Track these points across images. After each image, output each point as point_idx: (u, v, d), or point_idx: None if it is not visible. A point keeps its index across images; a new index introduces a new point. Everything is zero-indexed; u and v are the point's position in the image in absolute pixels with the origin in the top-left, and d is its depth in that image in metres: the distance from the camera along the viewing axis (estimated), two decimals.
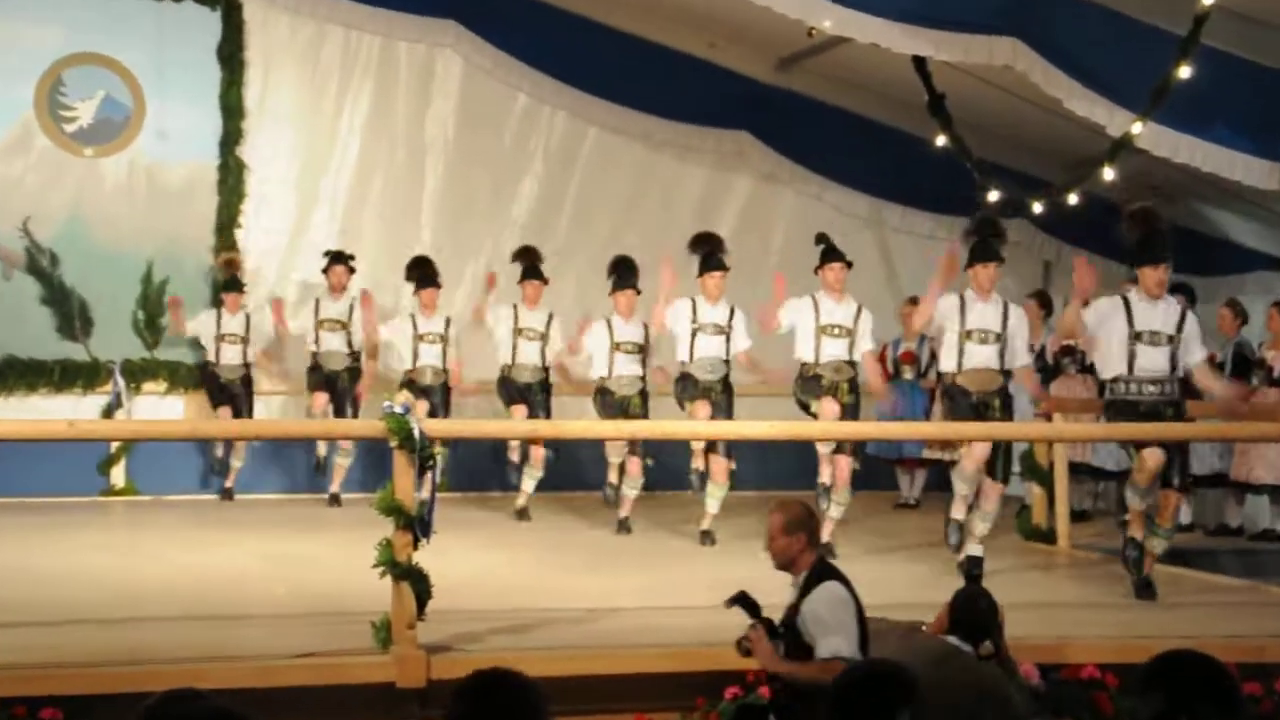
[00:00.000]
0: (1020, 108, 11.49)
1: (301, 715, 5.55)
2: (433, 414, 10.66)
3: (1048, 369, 11.33)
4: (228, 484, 11.87)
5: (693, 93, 13.06)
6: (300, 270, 12.39)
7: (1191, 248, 12.00)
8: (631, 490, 10.17)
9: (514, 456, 11.30)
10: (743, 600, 5.66)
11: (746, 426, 8.90)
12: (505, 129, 13.13)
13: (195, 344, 12.03)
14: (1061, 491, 9.78)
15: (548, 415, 10.93)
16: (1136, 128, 9.87)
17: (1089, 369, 11.25)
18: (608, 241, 11.67)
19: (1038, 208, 12.34)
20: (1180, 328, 7.89)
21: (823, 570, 5.75)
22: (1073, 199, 11.88)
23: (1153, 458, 7.76)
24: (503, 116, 13.11)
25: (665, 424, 9.17)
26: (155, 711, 3.15)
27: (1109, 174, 11.40)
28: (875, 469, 11.99)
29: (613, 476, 10.33)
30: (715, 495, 9.66)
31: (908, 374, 12.12)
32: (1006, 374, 8.56)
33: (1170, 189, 11.87)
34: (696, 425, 9.20)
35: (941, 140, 11.62)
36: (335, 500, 11.52)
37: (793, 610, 5.68)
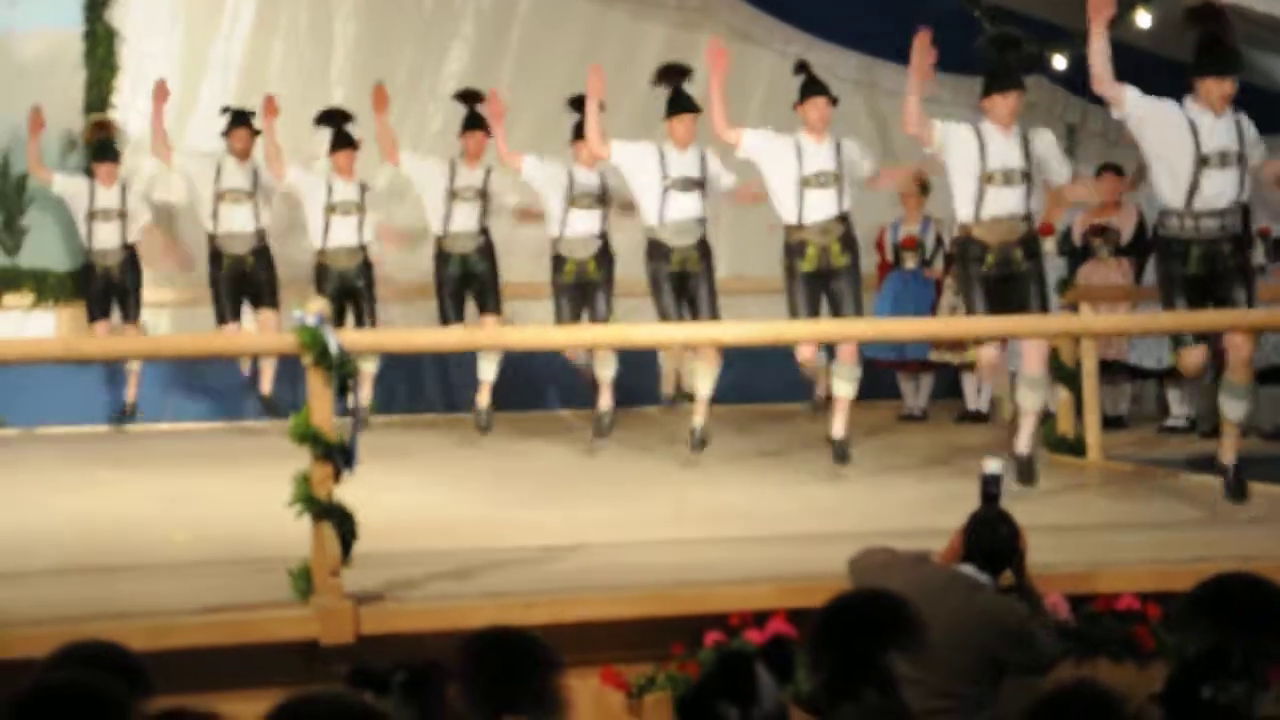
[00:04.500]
0: None
1: (208, 680, 5.57)
2: (357, 314, 10.77)
3: (1075, 251, 11.39)
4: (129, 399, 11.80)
5: None
6: (187, 156, 12.22)
7: (1243, 102, 12.00)
8: (607, 371, 10.15)
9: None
10: None
11: (723, 329, 8.95)
12: None
13: (70, 244, 11.87)
14: (1092, 395, 9.86)
15: (495, 291, 10.92)
16: None
17: (1124, 251, 11.32)
18: (551, 117, 11.59)
19: (1059, 62, 12.33)
20: (1242, 140, 7.85)
21: None
22: None
23: (1192, 358, 7.83)
24: None
25: (630, 328, 9.19)
26: (55, 673, 3.18)
27: (1143, 19, 11.39)
28: (874, 375, 12.05)
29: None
30: (707, 376, 9.61)
31: (910, 262, 12.15)
32: (1029, 220, 8.52)
33: None
34: (667, 329, 9.19)
35: None
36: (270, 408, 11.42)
37: None
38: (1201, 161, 7.77)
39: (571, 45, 13.14)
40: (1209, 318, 7.82)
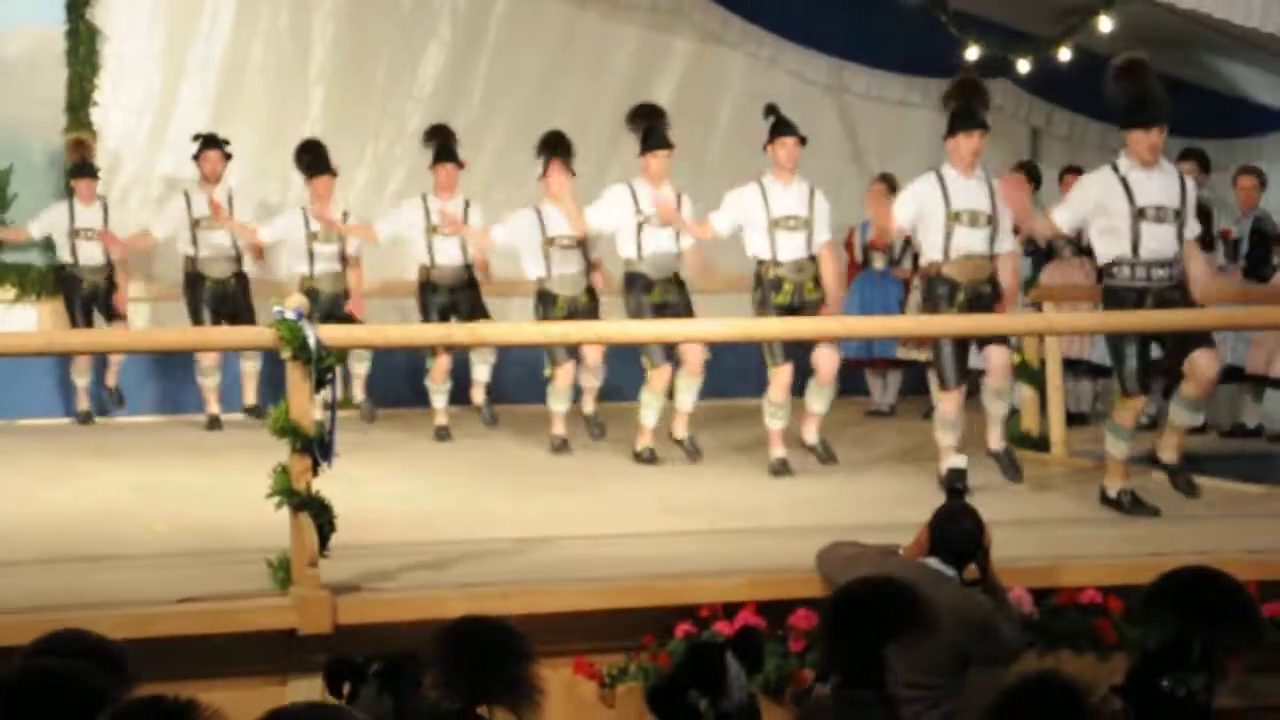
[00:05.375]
0: None
1: (187, 668, 5.56)
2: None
3: (1039, 252, 11.42)
4: (82, 406, 11.79)
5: None
6: (168, 156, 12.21)
7: (1203, 108, 12.05)
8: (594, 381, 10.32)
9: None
10: None
11: (697, 326, 8.95)
12: None
13: (46, 243, 11.87)
14: (1055, 392, 9.89)
15: (481, 307, 10.88)
16: None
17: (1086, 251, 11.35)
18: (526, 118, 11.61)
19: (1024, 66, 12.37)
20: (1184, 198, 7.95)
21: None
22: (1064, 55, 11.89)
23: (1206, 361, 7.85)
24: None
25: (603, 326, 9.18)
26: (31, 662, 3.17)
27: (1105, 24, 11.43)
28: (842, 372, 12.05)
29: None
30: (689, 389, 9.70)
31: (879, 262, 12.17)
32: (994, 260, 8.60)
33: (1177, 40, 11.91)
34: (644, 326, 9.17)
35: None
36: (215, 423, 11.47)
37: None
38: (1139, 214, 7.85)
39: (546, 46, 13.13)
40: (1171, 317, 7.83)
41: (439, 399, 10.92)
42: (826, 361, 9.17)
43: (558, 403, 10.17)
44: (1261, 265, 11.11)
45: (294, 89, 12.68)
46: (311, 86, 12.74)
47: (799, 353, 9.23)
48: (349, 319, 10.88)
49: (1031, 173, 11.73)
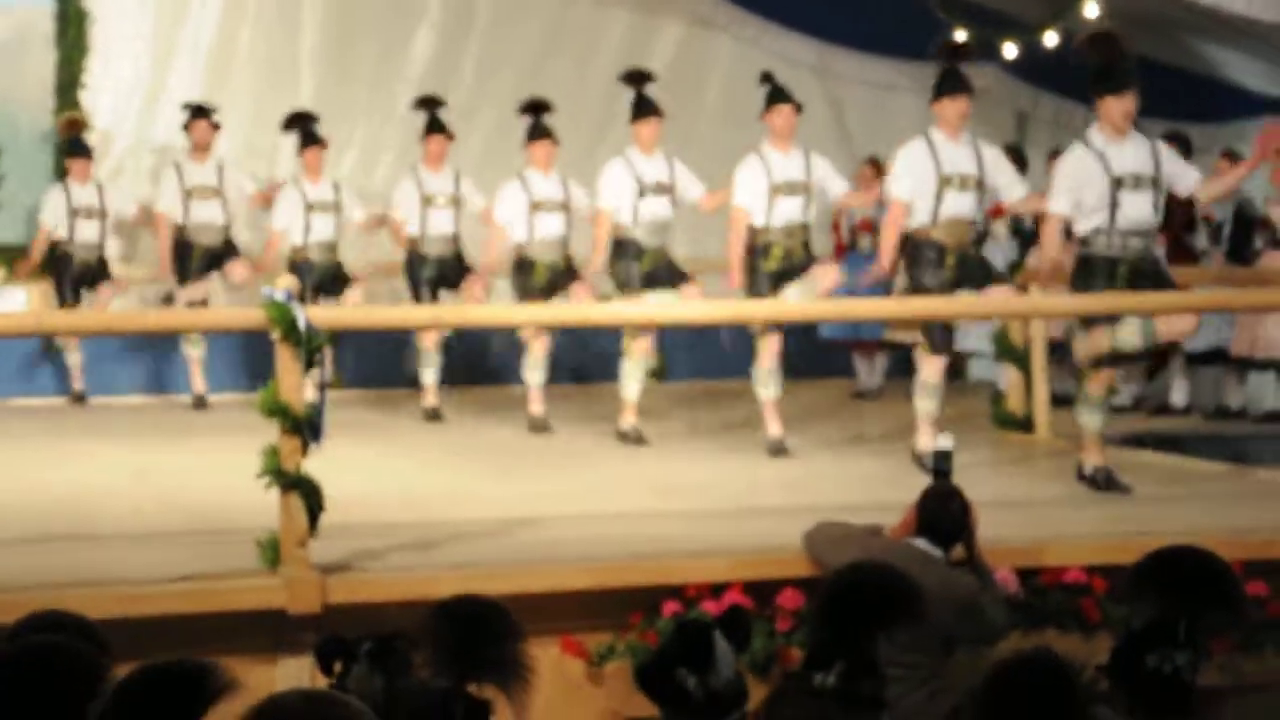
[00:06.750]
0: None
1: (176, 647, 5.53)
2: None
3: (1026, 235, 11.42)
4: (76, 386, 11.74)
5: None
6: (158, 138, 12.19)
7: (1187, 91, 12.07)
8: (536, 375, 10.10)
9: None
10: None
11: (684, 308, 8.94)
12: None
13: (35, 224, 11.80)
14: (1040, 374, 9.89)
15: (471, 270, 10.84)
16: None
17: (1072, 234, 11.36)
18: (516, 101, 11.53)
19: (1010, 50, 12.37)
20: (1158, 164, 7.92)
21: None
22: (1050, 39, 11.87)
23: (1184, 324, 7.86)
24: None
25: (589, 307, 9.16)
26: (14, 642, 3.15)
27: (1091, 9, 11.44)
28: (829, 354, 12.06)
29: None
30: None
31: (865, 244, 12.16)
32: (976, 225, 8.61)
33: (1162, 24, 11.91)
34: (626, 309, 9.16)
35: None
36: (201, 403, 11.42)
37: None
38: (1116, 183, 7.84)
39: (536, 28, 13.12)
40: (1153, 299, 7.83)
41: (429, 375, 10.78)
42: (827, 277, 9.15)
43: (534, 373, 10.07)
44: (1244, 248, 11.12)
45: (284, 71, 12.64)
46: (301, 69, 12.71)
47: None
48: (344, 284, 10.96)
49: (1017, 157, 11.69)
